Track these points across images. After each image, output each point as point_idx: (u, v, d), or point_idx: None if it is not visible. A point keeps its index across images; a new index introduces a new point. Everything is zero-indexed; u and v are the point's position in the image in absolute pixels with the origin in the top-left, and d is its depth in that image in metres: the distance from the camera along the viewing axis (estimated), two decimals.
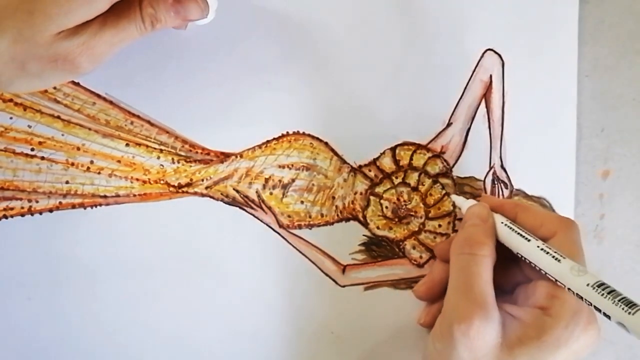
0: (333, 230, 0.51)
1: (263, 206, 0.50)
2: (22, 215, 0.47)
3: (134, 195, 0.48)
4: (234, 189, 0.50)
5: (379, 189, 0.51)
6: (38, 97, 0.47)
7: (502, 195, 0.53)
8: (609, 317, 0.37)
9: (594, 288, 0.38)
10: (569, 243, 0.43)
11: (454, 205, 0.52)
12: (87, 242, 0.47)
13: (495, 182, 0.52)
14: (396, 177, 0.52)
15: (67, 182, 0.47)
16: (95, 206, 0.48)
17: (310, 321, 0.50)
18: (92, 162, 0.48)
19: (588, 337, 0.41)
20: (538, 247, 0.42)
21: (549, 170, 0.53)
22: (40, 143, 0.47)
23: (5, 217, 0.47)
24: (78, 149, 0.47)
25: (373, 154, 0.51)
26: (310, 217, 0.50)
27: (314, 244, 0.50)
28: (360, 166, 0.51)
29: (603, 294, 0.37)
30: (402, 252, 0.52)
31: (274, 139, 0.50)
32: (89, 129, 0.48)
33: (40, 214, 0.47)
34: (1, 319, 0.46)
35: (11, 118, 0.47)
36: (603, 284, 0.38)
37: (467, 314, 0.40)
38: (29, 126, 0.47)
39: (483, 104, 0.52)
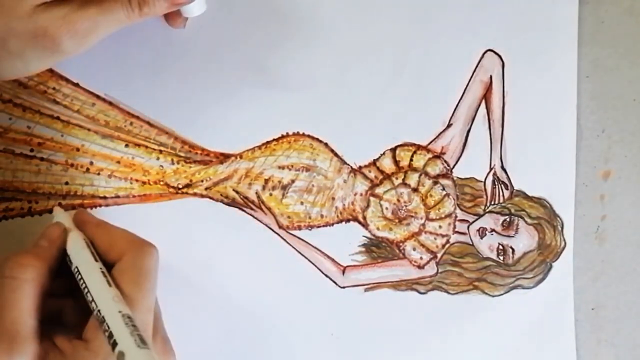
0: (333, 231, 0.51)
1: (263, 207, 0.50)
2: (22, 216, 0.47)
3: (134, 197, 0.48)
4: (233, 190, 0.49)
5: (379, 190, 0.51)
6: (37, 97, 0.47)
7: (503, 196, 0.53)
8: (116, 344, 0.35)
9: (123, 316, 0.36)
10: (133, 268, 0.40)
11: (454, 206, 0.52)
12: None
13: (496, 183, 0.52)
14: (396, 178, 0.51)
15: (66, 183, 0.47)
16: (95, 207, 0.48)
17: (310, 322, 0.50)
18: (91, 163, 0.48)
19: None
20: (100, 269, 0.39)
21: (549, 171, 0.53)
22: (39, 144, 0.47)
23: (5, 217, 0.47)
24: (77, 149, 0.47)
25: (373, 155, 0.51)
26: (310, 218, 0.50)
27: (314, 245, 0.50)
28: (360, 167, 0.51)
29: (127, 324, 0.36)
30: (402, 253, 0.52)
31: (274, 139, 0.50)
32: (89, 129, 0.48)
33: (40, 215, 0.47)
34: None
35: (10, 119, 0.47)
36: (132, 318, 0.36)
37: None
38: (29, 127, 0.47)
39: (483, 104, 0.52)
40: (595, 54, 0.53)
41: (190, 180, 0.49)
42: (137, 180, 0.48)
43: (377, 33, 0.51)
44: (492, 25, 0.52)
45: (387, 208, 0.51)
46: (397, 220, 0.52)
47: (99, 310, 0.37)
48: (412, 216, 0.52)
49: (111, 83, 0.48)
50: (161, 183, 0.49)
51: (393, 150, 0.51)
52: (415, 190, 0.52)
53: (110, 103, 0.48)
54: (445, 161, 0.52)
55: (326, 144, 0.50)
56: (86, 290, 0.38)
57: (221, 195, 0.49)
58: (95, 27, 0.39)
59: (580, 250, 0.54)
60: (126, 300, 0.38)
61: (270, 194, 0.50)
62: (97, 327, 0.38)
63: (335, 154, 0.51)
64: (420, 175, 0.52)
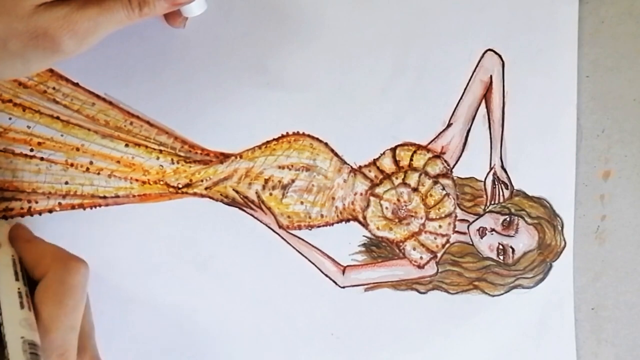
0: (333, 231, 0.51)
1: (263, 207, 0.50)
2: (22, 215, 0.47)
3: (134, 196, 0.48)
4: (233, 190, 0.49)
5: (379, 190, 0.51)
6: (37, 97, 0.47)
7: (503, 195, 0.53)
8: None
9: (24, 343, 0.35)
10: (54, 285, 0.38)
11: (454, 206, 0.52)
12: (87, 243, 0.47)
13: (496, 183, 0.52)
14: (396, 178, 0.51)
15: (66, 183, 0.47)
16: (95, 207, 0.48)
17: (310, 322, 0.50)
18: (91, 162, 0.48)
19: None
20: (18, 289, 0.38)
21: (549, 171, 0.53)
22: (39, 143, 0.47)
23: (5, 217, 0.47)
24: (77, 149, 0.47)
25: (373, 155, 0.51)
26: (310, 217, 0.50)
27: (314, 245, 0.50)
28: (360, 167, 0.51)
29: (25, 351, 0.35)
30: (402, 253, 0.52)
31: (274, 139, 0.50)
32: (89, 129, 0.48)
33: (40, 214, 0.47)
34: None
35: (10, 118, 0.47)
36: (35, 344, 0.36)
37: None
38: (28, 127, 0.47)
39: (483, 104, 0.52)
40: (595, 54, 0.53)
41: (190, 180, 0.49)
42: (137, 180, 0.48)
43: (377, 33, 0.51)
44: (492, 25, 0.52)
45: (387, 208, 0.51)
46: (397, 220, 0.52)
47: (4, 334, 0.36)
48: (412, 216, 0.52)
49: (111, 83, 0.47)
50: (161, 183, 0.49)
51: (393, 150, 0.51)
52: (415, 190, 0.52)
53: (110, 103, 0.48)
54: (445, 161, 0.52)
55: (326, 144, 0.50)
56: None
57: (221, 195, 0.49)
58: (95, 27, 0.39)
59: (580, 250, 0.54)
60: (44, 320, 0.37)
61: (270, 194, 0.50)
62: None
63: (335, 154, 0.51)
64: (420, 175, 0.52)
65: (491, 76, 0.52)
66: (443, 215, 0.52)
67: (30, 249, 0.41)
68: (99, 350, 0.43)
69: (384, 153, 0.51)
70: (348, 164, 0.51)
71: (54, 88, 0.47)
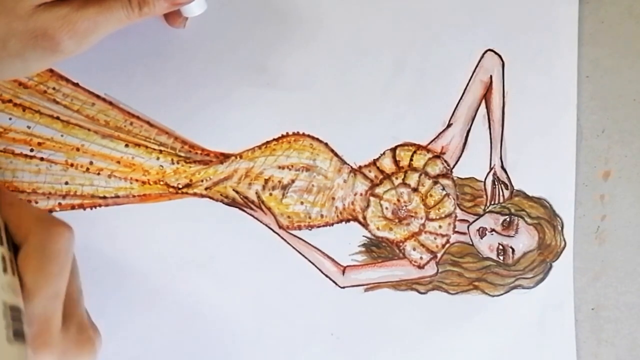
0: (333, 231, 0.51)
1: (263, 207, 0.50)
2: None
3: (134, 197, 0.48)
4: (233, 190, 0.49)
5: (379, 190, 0.51)
6: (37, 97, 0.47)
7: (503, 196, 0.53)
8: None
9: (5, 307, 0.33)
10: (36, 250, 0.36)
11: (454, 206, 0.52)
12: (87, 243, 0.47)
13: (496, 183, 0.52)
14: (396, 178, 0.51)
15: (66, 183, 0.47)
16: (95, 207, 0.48)
17: (310, 323, 0.50)
18: (91, 162, 0.48)
19: None
20: (2, 254, 0.35)
21: (549, 171, 0.53)
22: (39, 144, 0.47)
23: None
24: (77, 149, 0.47)
25: (373, 155, 0.51)
26: (310, 218, 0.50)
27: (314, 245, 0.50)
28: (360, 167, 0.51)
29: (6, 315, 0.33)
30: (402, 253, 0.52)
31: (274, 139, 0.50)
32: (89, 129, 0.48)
33: None
34: None
35: (10, 119, 0.47)
36: (18, 309, 0.34)
37: None
38: (28, 127, 0.47)
39: (483, 104, 0.52)
40: (595, 54, 0.53)
41: (190, 180, 0.49)
42: (137, 180, 0.48)
43: (377, 33, 0.51)
44: (492, 25, 0.52)
45: (387, 208, 0.51)
46: (397, 220, 0.52)
47: None
48: (412, 216, 0.52)
49: (111, 83, 0.48)
50: (161, 183, 0.49)
51: (393, 150, 0.51)
52: (415, 190, 0.52)
53: (110, 103, 0.48)
54: (445, 161, 0.52)
55: (326, 144, 0.50)
56: None
57: (221, 195, 0.49)
58: (95, 27, 0.39)
59: (580, 250, 0.54)
60: (27, 287, 0.36)
61: (270, 194, 0.50)
62: None
63: (335, 154, 0.51)
64: (420, 175, 0.52)
65: (491, 76, 0.52)
66: (443, 216, 0.52)
67: (13, 212, 0.38)
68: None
69: (384, 153, 0.51)
70: (348, 164, 0.51)
71: (54, 88, 0.47)
